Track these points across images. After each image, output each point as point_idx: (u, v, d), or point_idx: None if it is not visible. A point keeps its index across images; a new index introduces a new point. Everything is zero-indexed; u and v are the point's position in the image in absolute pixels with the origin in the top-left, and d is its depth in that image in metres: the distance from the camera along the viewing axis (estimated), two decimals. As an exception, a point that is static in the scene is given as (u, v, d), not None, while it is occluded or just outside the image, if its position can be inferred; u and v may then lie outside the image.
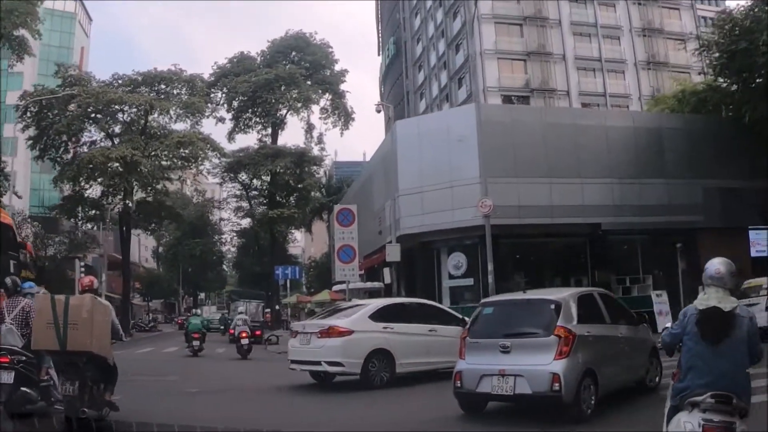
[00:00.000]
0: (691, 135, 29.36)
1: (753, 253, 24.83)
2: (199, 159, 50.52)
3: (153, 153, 47.88)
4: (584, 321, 9.76)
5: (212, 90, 57.81)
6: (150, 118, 49.37)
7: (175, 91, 51.73)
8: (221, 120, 59.12)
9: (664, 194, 28.32)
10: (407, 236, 28.38)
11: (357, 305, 16.07)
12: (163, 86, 51.38)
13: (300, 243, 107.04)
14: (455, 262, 28.49)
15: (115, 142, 47.87)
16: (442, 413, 10.37)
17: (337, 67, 61.83)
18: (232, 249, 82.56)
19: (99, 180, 47.16)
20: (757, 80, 27.68)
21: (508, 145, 27.06)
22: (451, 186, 27.12)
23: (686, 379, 5.20)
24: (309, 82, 58.56)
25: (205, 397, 13.70)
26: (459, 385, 9.84)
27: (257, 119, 59.32)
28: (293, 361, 15.00)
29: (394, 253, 26.74)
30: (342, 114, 60.23)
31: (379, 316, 14.61)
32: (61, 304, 8.38)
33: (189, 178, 57.16)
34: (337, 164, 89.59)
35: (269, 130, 60.04)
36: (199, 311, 47.32)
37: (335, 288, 43.12)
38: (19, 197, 50.18)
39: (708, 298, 5.33)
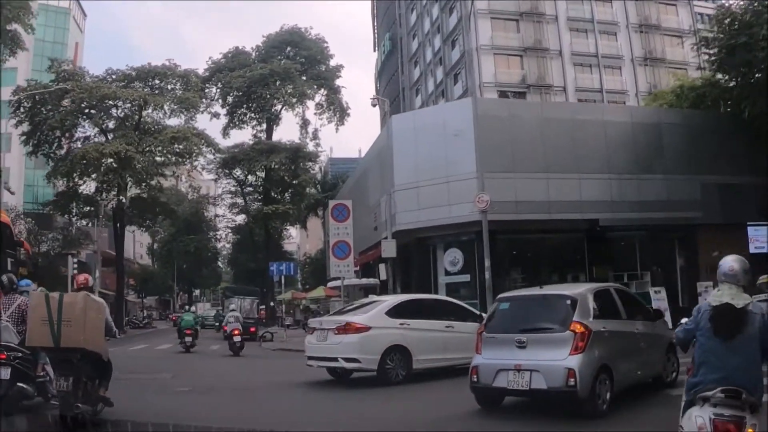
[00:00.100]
0: (689, 130, 29.14)
1: (752, 250, 24.59)
2: (194, 154, 50.38)
3: (147, 148, 47.61)
4: (600, 316, 9.83)
5: (207, 85, 57.68)
6: (144, 113, 49.20)
7: (169, 87, 51.58)
8: (216, 115, 59.08)
9: (662, 190, 28.08)
10: (403, 232, 28.14)
11: (374, 302, 16.08)
12: (157, 81, 51.19)
13: (295, 239, 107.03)
14: (451, 258, 28.26)
15: (109, 138, 47.64)
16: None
17: (333, 63, 61.71)
18: (227, 245, 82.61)
19: (93, 176, 46.97)
20: (757, 75, 27.46)
21: (506, 140, 26.80)
22: (448, 181, 26.85)
23: (699, 374, 5.29)
24: (304, 78, 58.46)
25: (196, 397, 13.48)
26: (475, 379, 9.93)
27: (252, 115, 59.21)
28: (310, 357, 15.05)
29: (389, 249, 26.57)
30: (337, 109, 60.14)
31: (396, 312, 14.64)
32: (55, 301, 8.47)
33: (183, 174, 56.97)
34: (332, 161, 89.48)
35: (264, 126, 59.94)
36: (194, 308, 47.19)
37: (330, 284, 42.97)
38: (12, 193, 49.91)
39: (721, 294, 5.42)
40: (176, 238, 75.18)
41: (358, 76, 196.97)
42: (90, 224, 55.44)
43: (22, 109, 46.12)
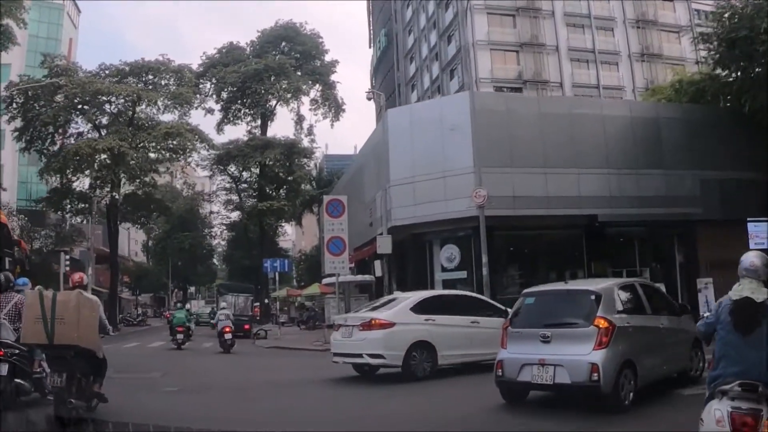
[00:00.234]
0: (689, 125, 28.84)
1: (751, 246, 24.24)
2: (188, 150, 50.10)
3: (141, 144, 47.36)
4: (625, 312, 9.96)
5: (201, 80, 57.46)
6: (137, 109, 48.95)
7: (162, 82, 51.32)
8: (210, 111, 58.82)
9: (661, 185, 27.80)
10: (399, 228, 27.79)
11: (399, 298, 16.06)
12: (150, 77, 50.96)
13: (290, 236, 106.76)
14: (448, 255, 27.95)
15: (102, 134, 47.33)
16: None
17: (328, 58, 61.45)
18: (222, 242, 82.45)
19: (86, 172, 46.66)
20: (757, 69, 27.14)
21: (503, 135, 26.49)
22: (444, 176, 26.50)
23: (719, 368, 5.39)
24: (299, 73, 58.28)
25: (188, 396, 13.28)
26: (500, 373, 10.10)
27: (246, 110, 59.00)
28: (336, 354, 15.16)
29: (385, 245, 26.32)
30: (332, 105, 59.94)
31: (420, 308, 14.72)
32: (49, 299, 8.65)
33: (178, 171, 56.71)
34: (328, 158, 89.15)
35: (258, 122, 59.72)
36: (189, 306, 46.82)
37: (325, 281, 42.63)
38: (4, 190, 49.47)
39: (742, 289, 5.54)
40: (171, 235, 74.98)
41: (353, 72, 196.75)
42: (84, 221, 55.07)
43: (14, 105, 45.77)
